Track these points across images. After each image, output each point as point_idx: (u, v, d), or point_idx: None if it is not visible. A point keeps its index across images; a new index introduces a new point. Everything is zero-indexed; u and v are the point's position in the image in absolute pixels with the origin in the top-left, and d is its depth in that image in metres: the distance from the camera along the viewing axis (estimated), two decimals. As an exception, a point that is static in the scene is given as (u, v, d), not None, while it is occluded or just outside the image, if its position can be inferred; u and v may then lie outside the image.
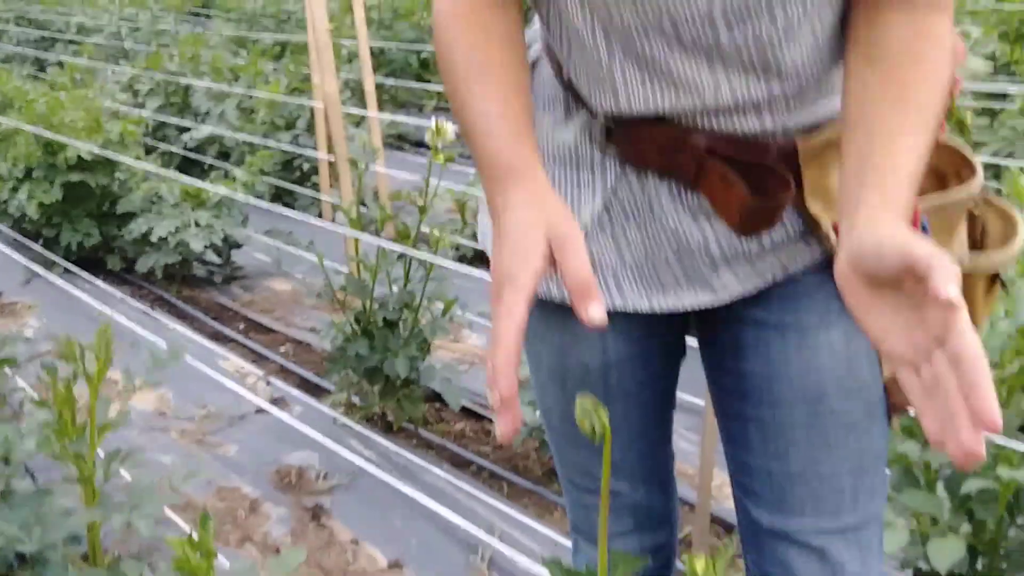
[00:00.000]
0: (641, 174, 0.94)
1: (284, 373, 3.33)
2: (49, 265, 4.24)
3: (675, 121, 0.90)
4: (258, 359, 3.47)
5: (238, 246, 4.26)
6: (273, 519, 2.41)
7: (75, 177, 4.13)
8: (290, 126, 5.31)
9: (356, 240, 2.88)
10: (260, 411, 2.97)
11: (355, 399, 2.91)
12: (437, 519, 2.28)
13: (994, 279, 1.01)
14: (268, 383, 3.18)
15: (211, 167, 5.36)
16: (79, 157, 4.08)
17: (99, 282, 4.19)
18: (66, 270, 4.22)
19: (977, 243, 1.03)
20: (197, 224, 4.02)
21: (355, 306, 2.75)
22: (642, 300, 0.98)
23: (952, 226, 0.99)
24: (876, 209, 0.74)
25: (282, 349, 3.57)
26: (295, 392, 3.11)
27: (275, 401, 3.05)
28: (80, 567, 1.60)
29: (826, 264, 0.92)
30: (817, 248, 0.96)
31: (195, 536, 1.30)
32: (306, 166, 5.14)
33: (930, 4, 0.82)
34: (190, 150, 5.70)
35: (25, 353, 3.49)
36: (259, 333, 3.76)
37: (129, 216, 4.18)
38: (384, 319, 2.72)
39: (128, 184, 4.26)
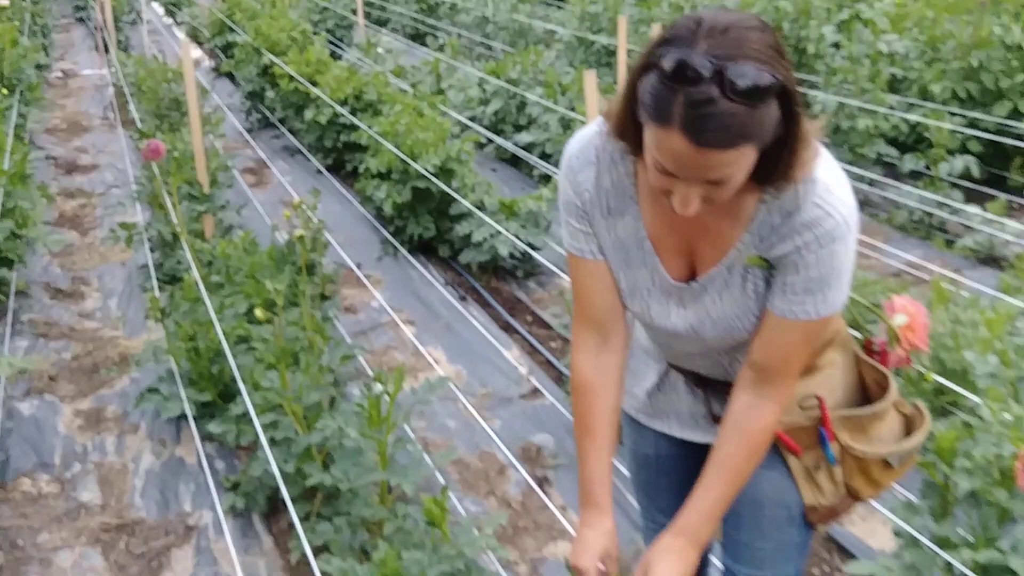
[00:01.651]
0: (677, 372, 1.76)
1: (547, 366, 4.31)
2: (395, 249, 5.51)
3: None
4: (532, 351, 4.47)
5: (537, 249, 5.28)
6: (512, 481, 3.41)
7: (421, 184, 5.34)
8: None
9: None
10: (523, 396, 3.99)
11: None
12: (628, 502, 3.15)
13: (885, 463, 1.67)
14: (529, 378, 4.17)
15: (532, 166, 6.43)
16: (426, 168, 5.27)
17: (431, 267, 5.40)
18: (408, 252, 5.47)
19: (909, 433, 1.69)
20: (507, 231, 5.09)
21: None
22: (675, 430, 1.81)
23: (864, 429, 1.66)
24: (672, 531, 1.54)
25: (553, 344, 4.55)
26: (550, 384, 4.08)
27: (534, 391, 4.04)
28: (373, 503, 2.67)
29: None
30: None
31: (438, 497, 2.29)
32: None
33: (766, 388, 1.52)
34: (522, 147, 6.81)
35: (369, 322, 4.76)
36: (539, 327, 4.77)
37: (459, 217, 5.33)
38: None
39: (461, 191, 5.40)
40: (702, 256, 1.52)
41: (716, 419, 1.70)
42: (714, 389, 1.70)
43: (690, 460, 1.83)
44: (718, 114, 1.21)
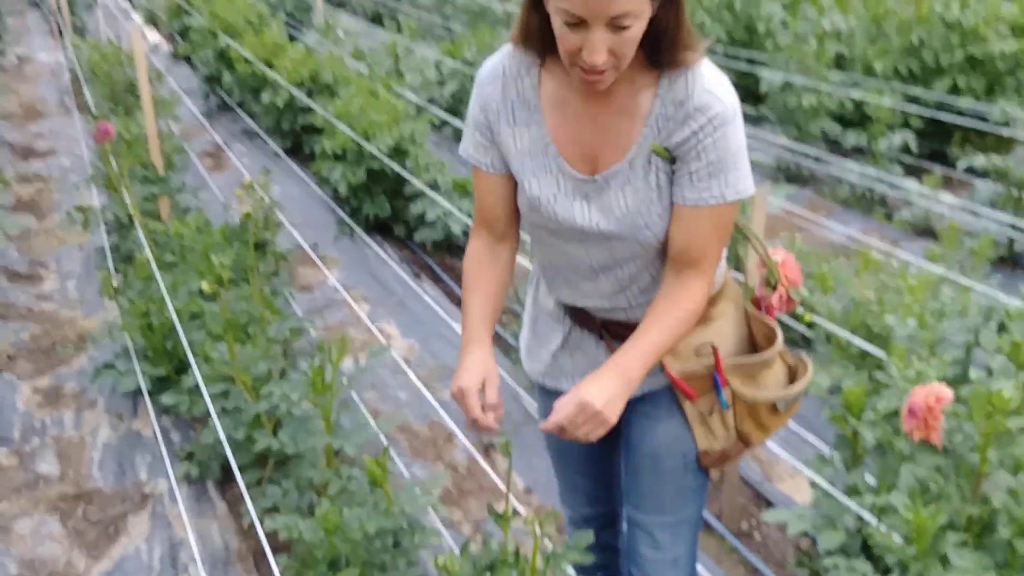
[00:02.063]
0: (580, 329, 1.87)
1: (497, 339, 4.43)
2: (351, 229, 5.61)
3: (588, 310, 1.83)
4: (484, 325, 4.59)
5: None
6: (459, 448, 3.54)
7: (376, 165, 5.43)
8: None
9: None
10: (473, 368, 4.11)
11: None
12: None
13: (773, 407, 1.80)
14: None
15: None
16: (380, 148, 5.36)
17: (386, 246, 5.51)
18: (365, 232, 5.57)
19: (792, 381, 1.83)
20: (460, 210, 5.19)
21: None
22: None
23: (753, 376, 1.79)
24: (605, 366, 1.63)
25: (503, 318, 4.68)
26: (499, 356, 4.20)
27: (484, 362, 4.16)
28: (320, 467, 2.79)
29: (669, 387, 1.80)
30: (663, 379, 1.80)
31: (379, 457, 2.41)
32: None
33: (689, 273, 1.66)
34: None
35: (324, 299, 4.86)
36: (492, 302, 4.88)
37: (414, 196, 5.43)
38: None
39: (415, 171, 5.50)
40: (604, 157, 1.66)
41: None
42: (618, 338, 1.79)
43: None
44: None
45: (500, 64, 1.71)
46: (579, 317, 1.86)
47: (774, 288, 1.82)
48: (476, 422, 1.66)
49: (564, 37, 1.49)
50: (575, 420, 1.58)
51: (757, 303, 1.85)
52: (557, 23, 1.49)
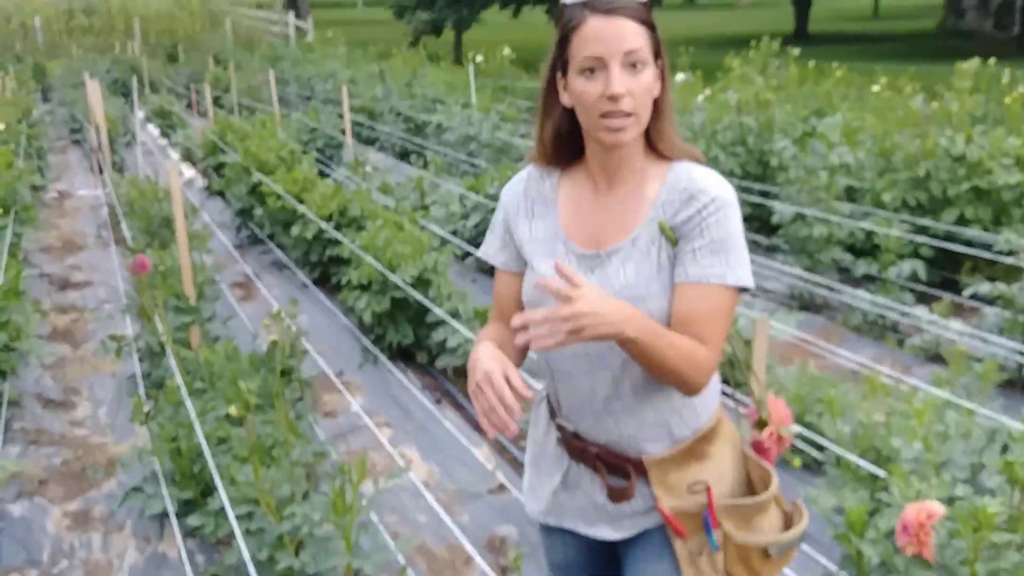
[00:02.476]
0: (578, 465, 1.93)
1: (514, 463, 4.52)
2: (375, 356, 5.76)
3: (585, 439, 1.89)
4: (501, 449, 4.68)
5: (510, 354, 5.54)
6: (478, 571, 3.59)
7: (400, 294, 5.63)
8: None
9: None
10: (491, 491, 4.18)
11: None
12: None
13: (765, 553, 1.80)
14: (495, 474, 4.37)
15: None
16: (404, 279, 5.56)
17: (409, 372, 5.65)
18: (388, 359, 5.72)
19: (787, 527, 1.85)
20: (479, 337, 5.34)
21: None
22: (581, 527, 1.96)
23: (746, 519, 1.81)
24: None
25: (521, 442, 4.76)
26: (516, 479, 4.28)
27: (501, 486, 4.24)
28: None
29: (661, 527, 1.82)
30: (657, 517, 1.81)
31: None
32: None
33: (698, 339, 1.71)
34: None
35: (348, 425, 4.98)
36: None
37: (436, 324, 5.60)
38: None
39: (437, 300, 5.68)
40: (609, 237, 1.80)
41: (612, 492, 1.85)
42: (612, 471, 1.85)
43: (599, 565, 2.02)
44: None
45: (526, 171, 1.93)
46: (576, 449, 1.89)
47: (765, 426, 1.87)
48: (498, 411, 1.60)
49: (585, 91, 1.70)
50: (563, 310, 1.55)
51: (756, 445, 1.90)
52: (578, 84, 1.71)
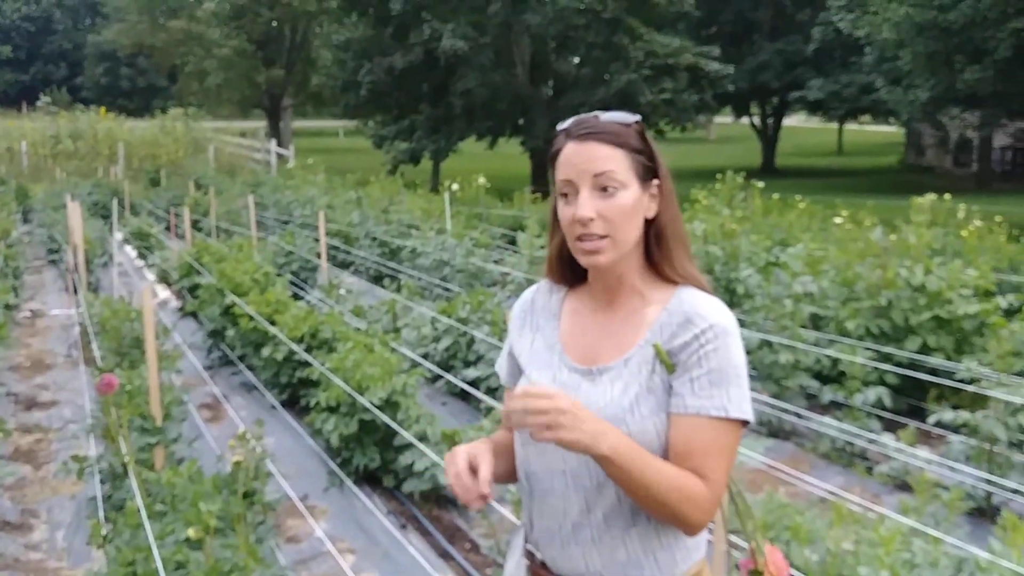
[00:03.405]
0: None
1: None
2: (341, 480, 5.70)
3: (551, 570, 1.78)
4: (466, 575, 4.60)
5: (478, 478, 5.49)
6: None
7: (367, 416, 5.60)
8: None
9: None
10: (455, 621, 4.09)
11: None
12: None
13: None
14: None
15: (479, 400, 6.74)
16: (372, 401, 5.55)
17: (375, 496, 5.58)
18: (353, 483, 5.65)
19: None
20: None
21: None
22: None
23: None
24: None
25: (488, 571, 4.68)
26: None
27: (466, 615, 4.15)
28: None
29: None
30: None
31: None
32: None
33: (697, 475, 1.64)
34: (467, 383, 7.14)
35: (311, 550, 4.88)
36: (477, 554, 4.90)
37: (403, 447, 5.56)
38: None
39: (405, 423, 5.66)
40: (604, 355, 1.78)
41: None
42: None
43: None
44: (596, 123, 1.74)
45: (537, 286, 1.97)
46: None
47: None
48: (462, 483, 1.67)
49: (563, 215, 1.75)
50: (542, 401, 1.54)
51: None
52: (559, 207, 1.76)
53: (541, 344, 1.88)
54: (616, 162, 1.71)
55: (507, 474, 1.90)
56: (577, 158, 1.71)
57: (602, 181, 1.70)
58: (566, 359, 1.82)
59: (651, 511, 1.65)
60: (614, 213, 1.70)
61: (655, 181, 1.77)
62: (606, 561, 1.72)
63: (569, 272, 1.88)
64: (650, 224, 1.77)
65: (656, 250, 1.78)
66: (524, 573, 1.87)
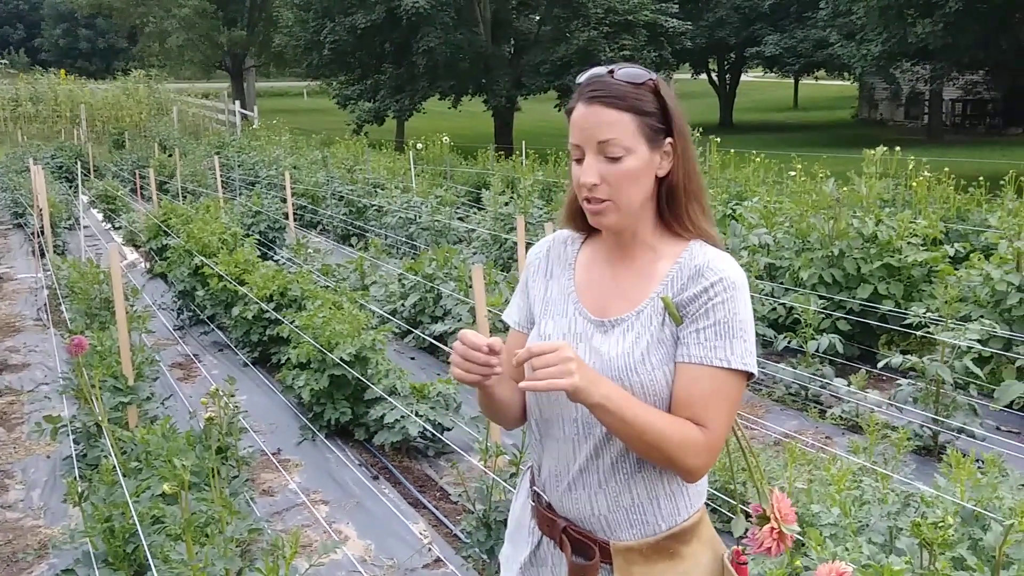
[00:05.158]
0: (548, 541, 1.87)
1: (451, 537, 4.60)
2: (313, 434, 5.84)
3: (556, 511, 1.85)
4: (438, 524, 4.77)
5: (448, 429, 5.65)
6: (409, 643, 3.66)
7: (338, 372, 5.74)
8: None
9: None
10: (426, 566, 4.27)
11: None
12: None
13: None
14: (430, 549, 4.46)
15: (448, 354, 6.89)
16: (342, 357, 5.68)
17: (347, 449, 5.73)
18: (325, 437, 5.80)
19: None
20: (418, 414, 5.46)
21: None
22: None
23: None
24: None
25: (458, 517, 4.85)
26: (451, 554, 4.37)
27: (437, 560, 4.33)
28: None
29: None
30: None
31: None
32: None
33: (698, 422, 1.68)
34: (435, 338, 7.28)
35: (285, 503, 5.03)
36: (448, 503, 5.07)
37: (374, 401, 5.71)
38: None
39: (374, 378, 5.80)
40: (617, 307, 1.81)
41: (573, 571, 1.81)
42: (577, 550, 1.82)
43: None
44: (606, 84, 1.72)
45: (551, 236, 2.00)
46: (546, 521, 1.87)
47: (767, 521, 1.77)
48: (470, 356, 1.69)
49: (573, 175, 1.77)
50: (551, 353, 1.59)
51: (737, 554, 1.84)
52: (572, 167, 1.78)
53: (556, 292, 1.90)
54: (621, 128, 1.71)
55: (506, 404, 1.91)
56: (584, 123, 1.72)
57: (606, 148, 1.71)
58: (582, 309, 1.84)
59: (650, 458, 1.70)
60: (618, 179, 1.72)
61: (668, 139, 1.76)
62: (612, 505, 1.77)
63: (582, 221, 1.88)
64: (662, 181, 1.78)
65: (668, 206, 1.79)
66: (530, 514, 1.93)
